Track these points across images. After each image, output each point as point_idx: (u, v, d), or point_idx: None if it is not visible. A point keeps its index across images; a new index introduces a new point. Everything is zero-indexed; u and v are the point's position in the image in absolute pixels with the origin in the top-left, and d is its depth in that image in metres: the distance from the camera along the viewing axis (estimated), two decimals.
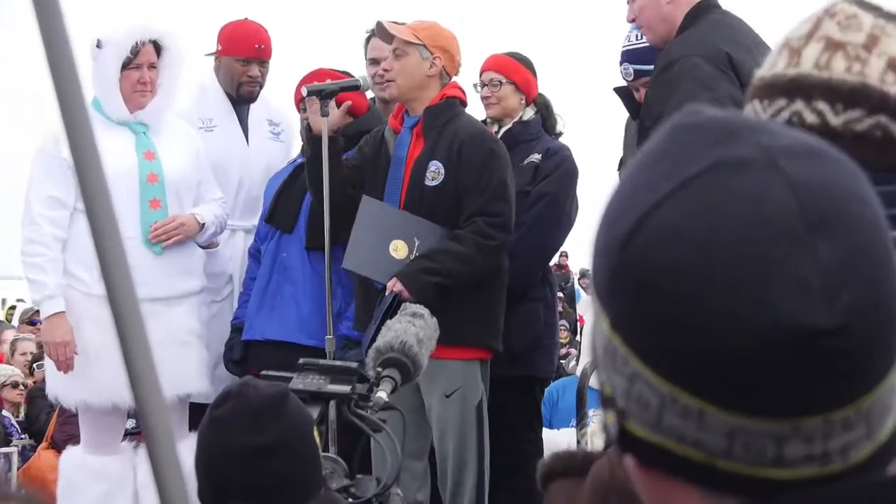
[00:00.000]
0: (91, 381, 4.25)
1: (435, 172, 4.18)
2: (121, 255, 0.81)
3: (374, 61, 4.73)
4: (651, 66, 3.92)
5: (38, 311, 11.16)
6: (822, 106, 1.23)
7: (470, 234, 4.09)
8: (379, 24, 4.28)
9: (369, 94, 4.77)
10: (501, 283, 4.26)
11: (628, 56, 4.18)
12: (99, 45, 4.42)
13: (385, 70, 4.28)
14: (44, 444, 6.36)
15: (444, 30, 4.38)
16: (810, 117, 1.24)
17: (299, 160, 4.68)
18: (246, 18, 5.02)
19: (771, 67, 1.29)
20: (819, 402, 0.76)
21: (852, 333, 0.75)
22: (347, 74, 4.59)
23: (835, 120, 1.23)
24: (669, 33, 3.72)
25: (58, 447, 5.53)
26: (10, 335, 10.34)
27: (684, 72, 3.51)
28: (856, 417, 0.77)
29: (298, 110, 4.75)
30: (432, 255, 4.09)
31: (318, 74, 4.58)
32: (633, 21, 3.89)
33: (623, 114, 4.38)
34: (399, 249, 4.08)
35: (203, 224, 4.46)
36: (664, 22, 3.74)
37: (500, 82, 4.74)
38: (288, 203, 4.59)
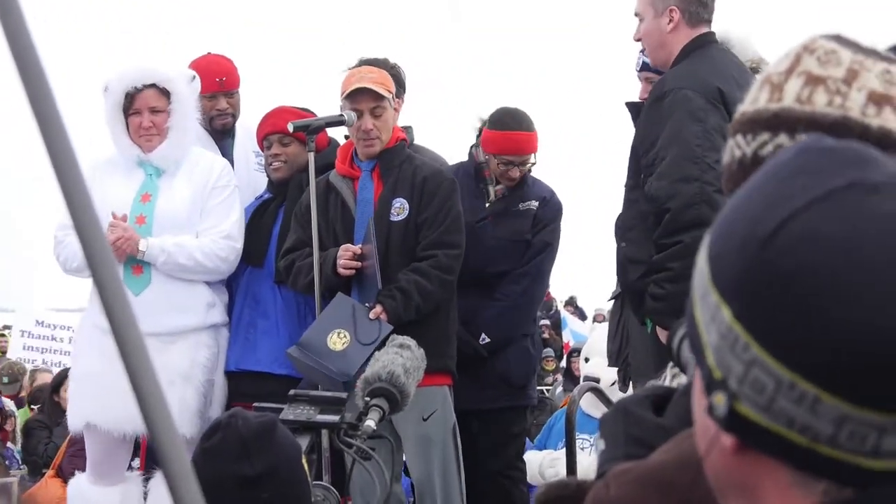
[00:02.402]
0: (99, 406, 4.18)
1: (399, 208, 4.23)
2: (119, 287, 0.81)
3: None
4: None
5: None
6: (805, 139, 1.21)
7: (433, 270, 4.15)
8: (365, 89, 4.22)
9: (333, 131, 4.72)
10: (454, 308, 4.33)
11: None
12: (106, 90, 4.40)
13: (368, 130, 4.23)
14: (50, 471, 6.30)
15: (386, 70, 4.43)
16: None
17: (265, 196, 4.66)
18: (208, 53, 4.94)
19: (753, 102, 1.28)
20: None
21: None
22: (307, 112, 4.55)
23: None
24: (667, 59, 3.81)
25: (63, 477, 5.46)
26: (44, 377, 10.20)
27: (676, 103, 3.57)
28: None
29: (261, 149, 4.69)
30: (404, 289, 4.10)
31: (280, 113, 4.56)
32: (638, 40, 3.98)
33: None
34: (336, 342, 4.04)
35: (142, 251, 4.26)
36: (663, 48, 3.82)
37: (527, 160, 4.66)
38: (257, 238, 4.52)
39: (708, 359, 0.89)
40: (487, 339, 4.49)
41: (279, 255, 4.40)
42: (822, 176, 0.85)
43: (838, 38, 1.27)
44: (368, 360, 3.83)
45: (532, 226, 4.60)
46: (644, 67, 4.25)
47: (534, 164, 4.71)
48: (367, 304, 4.07)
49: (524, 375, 4.65)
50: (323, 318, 4.08)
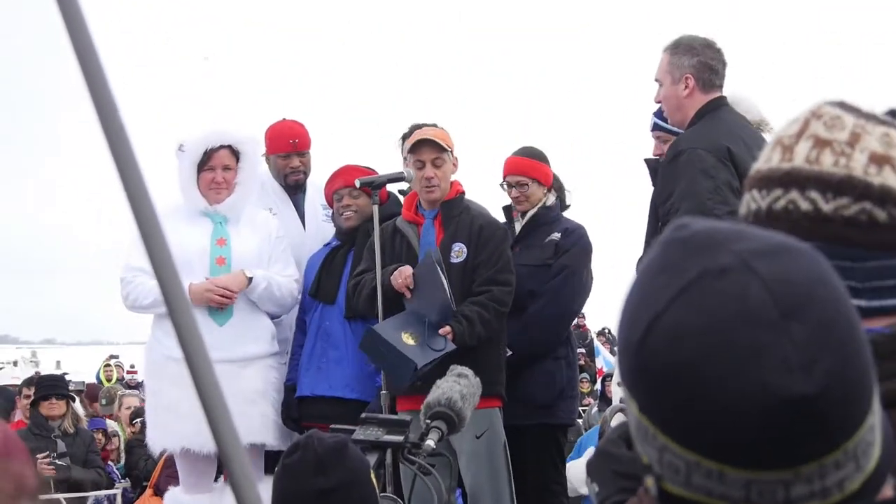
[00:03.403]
0: (177, 432, 4.27)
1: (459, 251, 4.31)
2: (192, 322, 0.81)
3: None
4: (674, 129, 4.09)
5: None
6: (814, 195, 1.23)
7: (490, 303, 4.23)
8: (431, 141, 4.35)
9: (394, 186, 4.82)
10: (504, 340, 4.38)
11: (661, 113, 4.25)
12: (181, 149, 4.51)
13: (430, 177, 4.34)
14: (149, 490, 6.37)
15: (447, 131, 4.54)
16: (804, 205, 1.23)
17: (333, 243, 4.74)
18: (283, 119, 5.05)
19: (766, 161, 1.29)
20: (812, 452, 0.82)
21: (831, 394, 0.80)
22: (370, 170, 4.64)
23: (826, 207, 1.23)
24: (684, 120, 3.85)
25: (160, 492, 5.54)
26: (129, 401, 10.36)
27: (690, 161, 3.60)
28: (844, 458, 0.83)
29: (330, 205, 4.79)
30: (469, 317, 4.16)
31: (349, 170, 4.65)
32: (659, 102, 4.03)
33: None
34: (408, 338, 4.10)
35: (251, 278, 4.43)
36: (680, 111, 3.86)
37: (527, 184, 4.74)
38: (329, 279, 4.61)
39: (636, 446, 0.91)
40: (510, 353, 4.43)
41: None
42: (677, 271, 0.86)
43: (842, 105, 1.27)
44: (431, 363, 3.92)
45: (554, 254, 4.62)
46: (655, 127, 4.28)
47: (545, 196, 4.73)
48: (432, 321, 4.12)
49: (549, 395, 4.58)
50: (399, 318, 4.16)
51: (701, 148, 3.61)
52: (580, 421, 8.66)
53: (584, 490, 5.11)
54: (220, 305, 4.38)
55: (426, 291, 4.18)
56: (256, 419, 4.42)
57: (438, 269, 4.13)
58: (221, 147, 4.49)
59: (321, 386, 4.51)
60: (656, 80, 3.94)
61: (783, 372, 0.80)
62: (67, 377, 9.10)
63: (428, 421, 2.71)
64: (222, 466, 4.74)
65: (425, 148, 4.34)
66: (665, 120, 4.16)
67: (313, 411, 4.45)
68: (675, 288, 0.84)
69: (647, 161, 4.28)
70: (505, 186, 4.80)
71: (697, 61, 3.80)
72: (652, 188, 4.25)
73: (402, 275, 4.20)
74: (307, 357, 4.59)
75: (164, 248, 0.80)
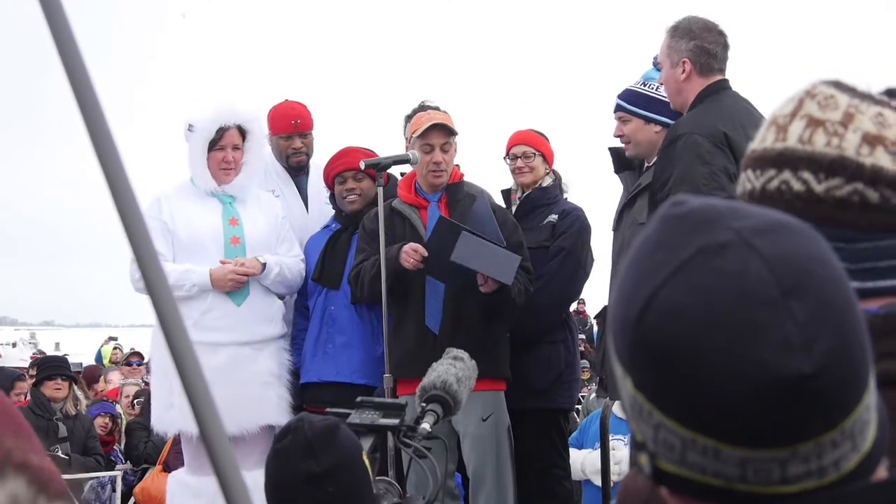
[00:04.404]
0: (187, 413, 4.26)
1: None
2: (172, 304, 0.78)
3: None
4: (634, 109, 4.14)
5: (134, 354, 11.36)
6: (806, 175, 1.22)
7: (522, 284, 4.20)
8: (443, 125, 4.32)
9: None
10: (509, 326, 4.38)
11: (627, 94, 4.25)
12: (190, 129, 4.48)
13: (438, 162, 4.32)
14: (158, 466, 6.43)
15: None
16: (797, 185, 1.23)
17: (333, 225, 4.71)
18: (286, 99, 5.04)
19: (761, 141, 1.28)
20: (810, 430, 0.82)
21: (830, 373, 0.80)
22: (372, 152, 4.62)
23: (818, 187, 1.22)
24: (684, 104, 3.83)
25: (170, 470, 5.59)
26: (114, 376, 10.45)
27: (687, 147, 3.59)
28: (841, 437, 0.83)
29: (329, 187, 4.74)
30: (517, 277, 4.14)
31: (352, 152, 4.62)
32: (660, 85, 4.01)
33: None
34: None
35: (265, 264, 4.44)
36: (679, 95, 3.84)
37: (534, 154, 4.76)
38: (333, 264, 4.59)
39: (630, 424, 0.91)
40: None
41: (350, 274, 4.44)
42: (674, 248, 0.85)
43: (837, 84, 1.27)
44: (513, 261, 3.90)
45: (550, 235, 4.61)
46: (618, 108, 4.25)
47: (547, 174, 4.74)
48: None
49: (546, 379, 4.57)
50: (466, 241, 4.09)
51: (697, 133, 3.60)
52: (578, 407, 8.66)
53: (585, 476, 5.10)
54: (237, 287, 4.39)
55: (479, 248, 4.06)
56: (273, 401, 4.44)
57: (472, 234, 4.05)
58: (231, 126, 4.48)
59: (329, 371, 4.50)
60: (658, 63, 3.93)
61: (783, 350, 0.79)
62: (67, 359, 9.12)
63: (423, 404, 2.70)
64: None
65: (435, 132, 4.31)
66: (631, 102, 4.17)
67: (322, 397, 4.43)
68: (674, 264, 0.84)
69: (611, 150, 4.27)
70: (509, 160, 4.78)
71: (695, 45, 3.78)
72: (615, 176, 4.27)
73: (415, 256, 4.13)
74: (313, 343, 4.57)
75: (143, 232, 0.78)
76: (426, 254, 4.14)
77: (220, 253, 4.42)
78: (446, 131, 4.31)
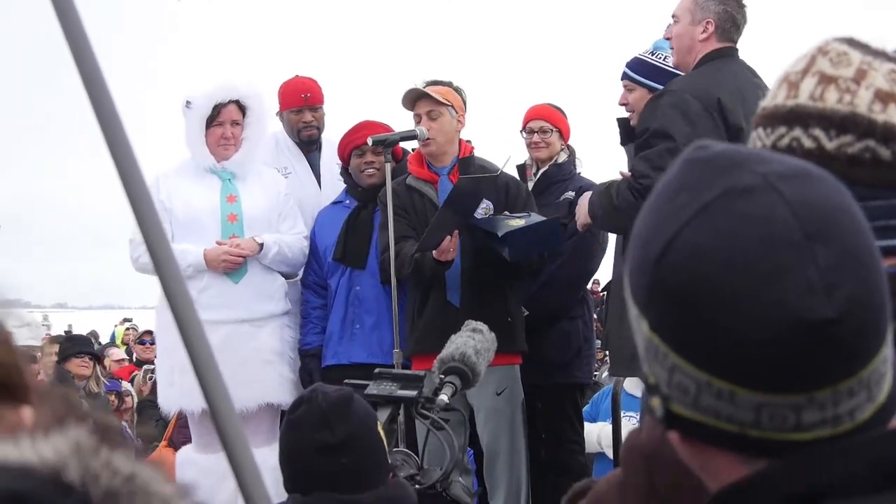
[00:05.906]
0: (187, 392, 4.24)
1: (486, 209, 4.24)
2: (181, 282, 0.81)
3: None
4: (640, 78, 4.10)
5: (147, 332, 11.40)
6: (817, 132, 1.22)
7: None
8: (417, 91, 4.31)
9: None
10: (524, 298, 4.39)
11: (634, 62, 4.21)
12: (188, 105, 4.47)
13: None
14: (163, 442, 6.46)
15: (456, 92, 4.46)
16: (808, 142, 1.23)
17: (346, 201, 4.64)
18: (296, 75, 5.02)
19: (772, 99, 1.28)
20: (828, 377, 0.81)
21: (851, 320, 0.80)
22: (388, 126, 4.56)
23: (829, 144, 1.22)
24: (691, 64, 3.80)
25: (174, 446, 5.61)
26: (116, 353, 10.49)
27: (673, 103, 3.58)
28: (858, 386, 0.82)
29: (344, 161, 4.67)
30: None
31: (370, 126, 4.56)
32: (668, 39, 3.97)
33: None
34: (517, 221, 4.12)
35: (262, 244, 4.40)
36: (690, 53, 3.81)
37: (551, 129, 4.75)
38: (356, 243, 4.52)
39: (643, 366, 0.90)
40: (527, 312, 4.41)
41: (382, 255, 4.35)
42: (698, 190, 0.85)
43: (850, 41, 1.26)
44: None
45: (568, 212, 4.54)
46: (624, 76, 4.21)
47: (563, 150, 4.75)
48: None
49: (565, 355, 4.57)
50: (488, 221, 4.15)
51: (689, 93, 3.58)
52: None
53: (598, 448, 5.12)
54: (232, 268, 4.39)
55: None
56: (274, 379, 4.42)
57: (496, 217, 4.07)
58: (230, 102, 4.45)
59: (358, 353, 4.42)
60: (673, 16, 3.88)
61: (806, 294, 0.79)
62: None
63: (442, 376, 2.71)
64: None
65: (420, 102, 4.30)
66: (637, 71, 4.14)
67: (349, 378, 4.35)
68: (697, 206, 0.84)
69: (619, 120, 4.24)
70: (525, 134, 4.78)
71: (723, 10, 3.76)
72: (622, 147, 4.25)
73: (451, 246, 4.11)
74: (338, 324, 4.48)
75: (152, 214, 0.80)
76: (457, 239, 4.13)
77: (217, 229, 4.40)
78: (430, 100, 4.27)
